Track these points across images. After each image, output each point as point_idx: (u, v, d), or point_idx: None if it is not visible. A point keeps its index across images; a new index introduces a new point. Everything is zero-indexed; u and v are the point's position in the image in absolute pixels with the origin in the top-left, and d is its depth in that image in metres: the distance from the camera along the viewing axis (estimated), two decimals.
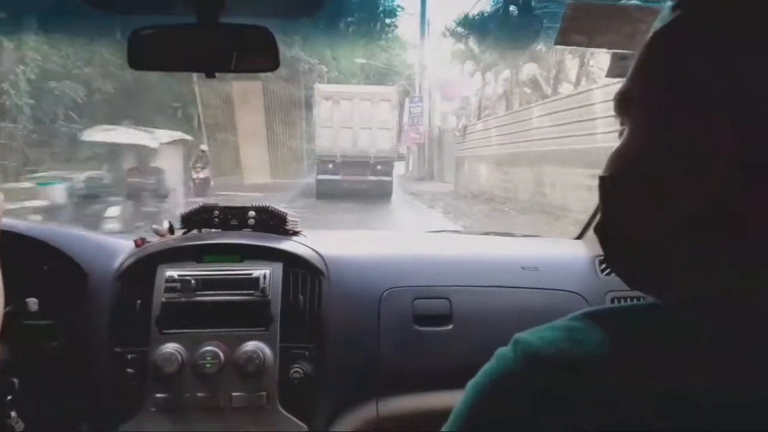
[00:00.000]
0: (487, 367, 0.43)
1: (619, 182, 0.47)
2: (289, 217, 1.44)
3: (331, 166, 13.64)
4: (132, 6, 1.02)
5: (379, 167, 13.68)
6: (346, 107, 13.83)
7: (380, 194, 13.42)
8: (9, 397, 1.09)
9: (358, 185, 13.50)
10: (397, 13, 22.08)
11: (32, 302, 1.05)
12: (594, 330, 0.39)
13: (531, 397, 0.38)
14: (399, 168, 21.02)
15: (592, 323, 0.40)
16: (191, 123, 15.07)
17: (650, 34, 0.45)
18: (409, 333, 1.25)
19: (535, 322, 1.29)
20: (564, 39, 0.94)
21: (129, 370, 1.18)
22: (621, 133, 0.49)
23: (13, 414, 1.09)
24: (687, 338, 0.38)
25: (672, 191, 0.42)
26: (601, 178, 0.49)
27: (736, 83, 0.39)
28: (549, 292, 1.29)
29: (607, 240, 0.49)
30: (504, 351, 0.43)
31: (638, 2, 0.86)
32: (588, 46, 0.95)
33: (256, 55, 0.99)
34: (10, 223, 1.24)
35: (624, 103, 0.48)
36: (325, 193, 13.10)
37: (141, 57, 1.01)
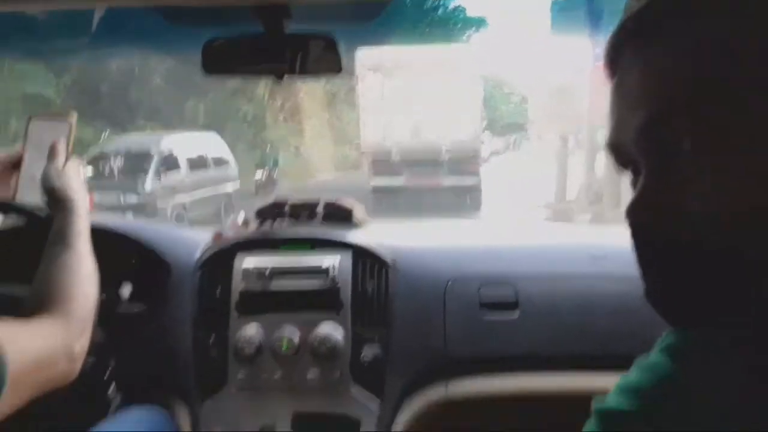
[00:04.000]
0: None
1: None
2: (356, 210, 1.49)
3: (386, 166, 9.65)
4: (204, 19, 1.10)
5: (457, 165, 9.45)
6: (403, 79, 9.52)
7: (462, 206, 9.35)
8: (107, 375, 1.21)
9: (428, 193, 9.60)
10: None
11: (125, 290, 1.15)
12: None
13: None
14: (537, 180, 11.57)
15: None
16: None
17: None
18: (476, 320, 1.27)
19: (603, 310, 1.27)
20: None
21: (212, 352, 1.27)
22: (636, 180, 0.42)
23: (111, 389, 1.21)
24: None
25: None
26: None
27: None
28: (618, 280, 1.25)
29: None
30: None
31: None
32: None
33: (320, 59, 1.05)
34: (101, 220, 1.36)
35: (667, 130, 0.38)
36: (385, 204, 9.26)
37: (214, 64, 1.10)
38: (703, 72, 0.37)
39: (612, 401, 0.37)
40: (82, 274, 0.87)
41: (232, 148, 11.88)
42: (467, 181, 9.70)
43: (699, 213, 0.37)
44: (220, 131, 11.83)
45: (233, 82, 13.25)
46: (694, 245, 0.37)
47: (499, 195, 10.86)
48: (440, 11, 18.66)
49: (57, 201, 0.92)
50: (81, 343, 0.82)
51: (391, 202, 9.51)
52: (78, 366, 0.81)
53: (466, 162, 9.62)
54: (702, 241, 0.37)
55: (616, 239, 1.64)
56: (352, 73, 9.77)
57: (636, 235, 0.42)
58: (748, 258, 0.35)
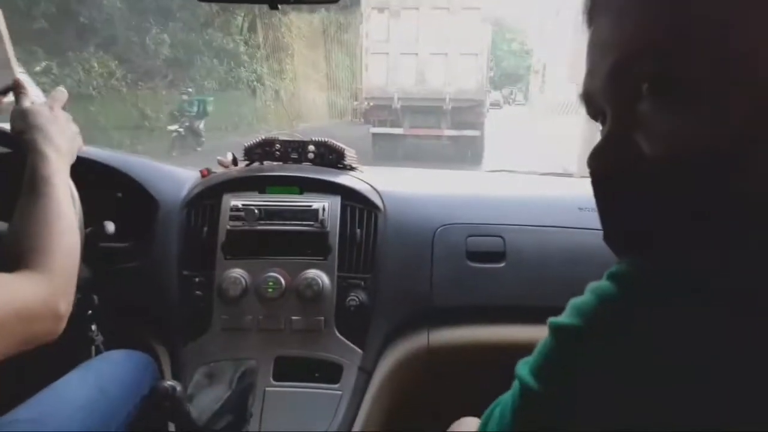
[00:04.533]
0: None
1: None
2: (347, 152, 1.46)
3: (386, 113, 9.34)
4: None
5: (459, 116, 9.19)
6: (409, 22, 9.21)
7: (463, 158, 9.09)
8: (89, 312, 1.18)
9: (428, 143, 9.51)
10: None
11: (110, 225, 1.12)
12: None
13: None
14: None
15: None
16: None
17: None
18: (462, 268, 1.26)
19: (589, 263, 1.27)
20: None
21: (197, 292, 1.26)
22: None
23: (93, 327, 1.19)
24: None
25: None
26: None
27: None
28: None
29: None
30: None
31: None
32: None
33: None
34: (90, 150, 1.31)
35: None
36: (386, 153, 8.98)
37: None
38: (664, 22, 0.39)
39: (562, 318, 0.41)
40: (60, 225, 0.81)
41: (200, 87, 10.22)
42: (467, 132, 9.44)
43: (652, 156, 0.40)
44: (188, 67, 10.41)
45: (204, 11, 11.61)
46: (648, 186, 0.40)
47: (503, 154, 10.35)
48: None
49: (24, 144, 0.87)
50: (66, 301, 0.77)
51: (389, 150, 9.27)
52: (63, 325, 0.77)
53: (469, 113, 9.36)
54: (654, 183, 0.40)
55: None
56: (356, 9, 9.46)
57: (596, 180, 0.45)
58: (694, 198, 0.38)
